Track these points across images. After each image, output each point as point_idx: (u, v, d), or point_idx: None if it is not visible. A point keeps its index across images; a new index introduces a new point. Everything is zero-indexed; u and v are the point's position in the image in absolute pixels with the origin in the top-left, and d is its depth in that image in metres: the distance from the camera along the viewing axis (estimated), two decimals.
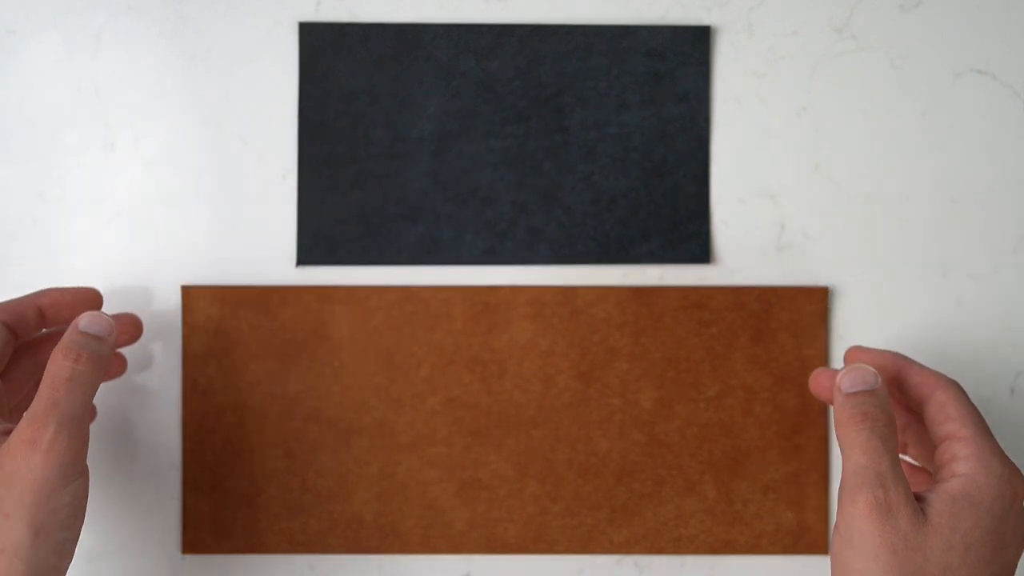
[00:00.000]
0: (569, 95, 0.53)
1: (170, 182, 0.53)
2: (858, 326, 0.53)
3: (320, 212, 0.53)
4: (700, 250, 0.53)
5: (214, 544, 0.52)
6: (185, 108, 0.53)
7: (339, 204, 0.53)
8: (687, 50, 0.53)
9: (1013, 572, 0.42)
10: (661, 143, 0.53)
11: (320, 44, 0.53)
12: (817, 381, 0.49)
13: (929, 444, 0.47)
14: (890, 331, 0.53)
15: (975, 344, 0.53)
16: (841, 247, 0.53)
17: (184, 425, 0.52)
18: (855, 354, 0.49)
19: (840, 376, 0.45)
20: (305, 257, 0.53)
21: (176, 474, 0.53)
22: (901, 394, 0.47)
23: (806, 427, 0.53)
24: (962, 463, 0.42)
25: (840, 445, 0.44)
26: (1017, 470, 0.42)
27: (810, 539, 0.53)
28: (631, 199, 0.53)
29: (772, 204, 0.53)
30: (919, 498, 0.42)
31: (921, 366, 0.46)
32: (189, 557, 0.53)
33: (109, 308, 0.53)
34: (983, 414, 0.44)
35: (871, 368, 0.45)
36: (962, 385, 0.44)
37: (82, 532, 0.52)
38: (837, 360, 0.53)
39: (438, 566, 0.53)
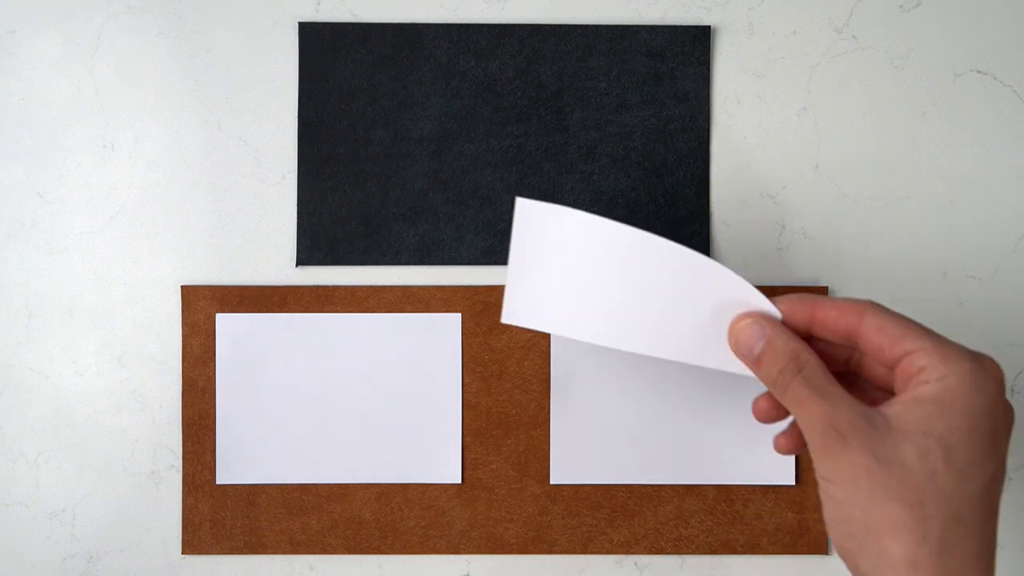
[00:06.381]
0: (569, 95, 0.53)
1: (170, 182, 0.53)
2: None
3: (320, 212, 0.53)
4: (700, 250, 0.53)
5: (214, 544, 0.52)
6: (185, 108, 0.53)
7: (339, 204, 0.53)
8: (687, 50, 0.53)
9: (1004, 464, 0.38)
10: (661, 143, 0.53)
11: (320, 44, 0.53)
12: (756, 405, 0.45)
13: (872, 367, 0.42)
14: None
15: (975, 344, 0.53)
16: (841, 247, 0.53)
17: (184, 425, 0.52)
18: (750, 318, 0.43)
19: (735, 349, 0.42)
20: (305, 257, 0.53)
21: (176, 474, 0.53)
22: (825, 330, 0.41)
23: None
24: (930, 371, 0.38)
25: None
26: (989, 359, 0.39)
27: (810, 539, 0.53)
28: (631, 199, 0.53)
29: (772, 204, 0.53)
30: (882, 414, 0.38)
31: (832, 299, 0.41)
32: (189, 557, 0.53)
33: (110, 307, 0.53)
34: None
35: (747, 319, 0.41)
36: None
37: (82, 532, 0.53)
38: None
39: (438, 566, 0.53)
